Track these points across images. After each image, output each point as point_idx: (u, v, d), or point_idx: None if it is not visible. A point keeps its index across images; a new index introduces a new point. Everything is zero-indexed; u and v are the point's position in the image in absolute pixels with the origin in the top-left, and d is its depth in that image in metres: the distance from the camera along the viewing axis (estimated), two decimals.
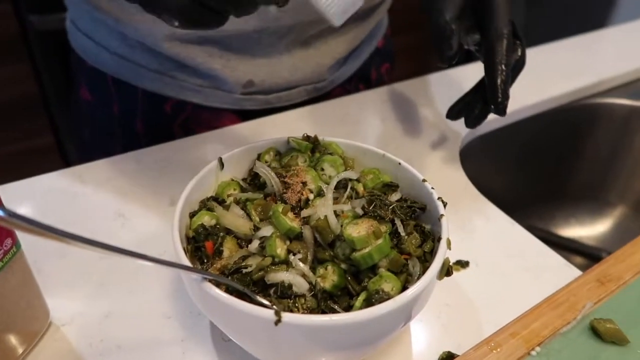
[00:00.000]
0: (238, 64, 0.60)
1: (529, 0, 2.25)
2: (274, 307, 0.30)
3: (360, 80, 0.73)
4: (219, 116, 0.64)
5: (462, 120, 0.63)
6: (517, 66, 0.47)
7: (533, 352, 0.33)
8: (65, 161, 1.51)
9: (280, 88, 0.64)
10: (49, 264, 0.42)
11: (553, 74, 0.77)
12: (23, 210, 0.47)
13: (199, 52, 0.57)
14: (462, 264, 0.43)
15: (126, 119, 0.64)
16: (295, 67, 0.62)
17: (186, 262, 0.30)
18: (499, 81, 0.45)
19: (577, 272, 0.42)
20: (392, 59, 0.80)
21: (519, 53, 0.47)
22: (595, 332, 0.35)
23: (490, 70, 0.45)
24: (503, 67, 0.44)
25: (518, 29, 0.47)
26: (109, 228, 0.46)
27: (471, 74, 0.76)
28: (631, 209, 0.77)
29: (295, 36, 0.59)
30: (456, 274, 0.42)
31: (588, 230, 0.79)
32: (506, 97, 0.45)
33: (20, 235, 0.43)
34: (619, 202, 0.79)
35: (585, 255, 0.74)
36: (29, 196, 0.49)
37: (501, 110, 0.46)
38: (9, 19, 1.24)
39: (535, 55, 0.84)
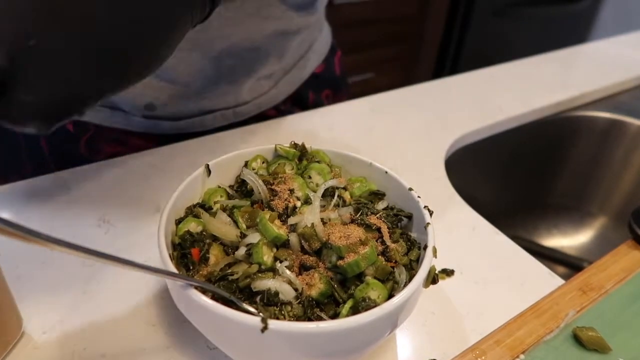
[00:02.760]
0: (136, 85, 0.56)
1: (514, 15, 2.30)
2: (260, 314, 0.30)
3: (295, 104, 0.70)
4: (126, 136, 0.59)
5: (447, 130, 0.64)
6: None
7: None
8: None
9: (192, 113, 0.60)
10: (30, 270, 0.41)
11: (536, 87, 0.79)
12: (4, 215, 0.46)
13: None
14: (448, 273, 0.43)
15: (31, 140, 0.61)
16: (206, 90, 0.58)
17: (172, 268, 0.30)
18: None
19: (560, 281, 0.42)
20: (336, 84, 0.76)
21: None
22: (578, 340, 0.35)
23: None
24: None
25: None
26: (93, 234, 0.45)
27: (455, 85, 0.77)
28: (611, 220, 0.79)
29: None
30: (441, 283, 0.43)
31: (570, 240, 0.81)
32: None
33: (2, 239, 0.43)
34: (600, 212, 0.81)
35: (567, 264, 0.75)
36: (10, 201, 0.48)
37: None
38: None
39: (519, 68, 0.86)
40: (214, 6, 0.33)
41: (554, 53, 0.93)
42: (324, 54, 0.72)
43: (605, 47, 0.99)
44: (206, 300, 0.28)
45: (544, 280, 0.43)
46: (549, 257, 0.77)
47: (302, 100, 0.71)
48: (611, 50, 0.97)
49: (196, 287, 0.29)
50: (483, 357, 0.33)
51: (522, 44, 2.37)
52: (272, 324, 0.27)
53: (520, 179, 0.79)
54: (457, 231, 0.49)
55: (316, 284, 0.33)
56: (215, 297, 0.30)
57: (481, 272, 0.44)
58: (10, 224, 0.20)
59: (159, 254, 0.31)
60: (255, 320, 0.27)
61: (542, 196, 0.83)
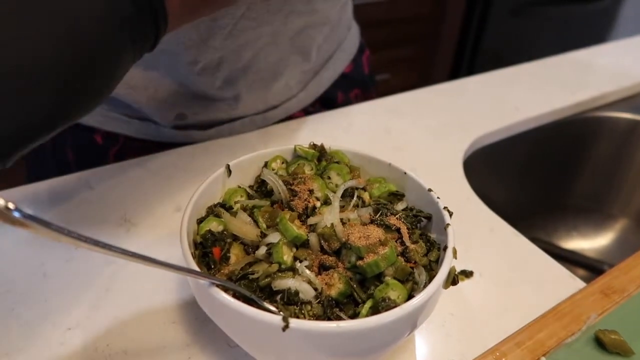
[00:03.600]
0: (167, 96, 0.56)
1: (532, 14, 2.27)
2: (281, 313, 0.30)
3: (323, 105, 0.70)
4: (155, 147, 0.60)
5: (465, 131, 0.64)
6: None
7: None
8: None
9: (222, 121, 0.60)
10: (55, 267, 0.42)
11: (555, 87, 0.78)
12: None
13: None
14: (467, 274, 0.43)
15: (59, 152, 0.62)
16: (235, 98, 0.58)
17: (194, 267, 0.30)
18: None
19: (581, 284, 0.42)
20: (365, 84, 0.76)
21: None
22: (600, 343, 0.35)
23: None
24: None
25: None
26: (115, 233, 0.46)
27: (472, 86, 0.77)
28: (633, 222, 0.78)
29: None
30: (460, 284, 0.42)
31: (590, 242, 0.80)
32: None
33: (29, 238, 0.44)
34: (621, 214, 0.79)
35: (587, 267, 0.74)
36: (33, 201, 0.49)
37: None
38: None
39: (539, 69, 0.85)
40: (160, 33, 0.33)
41: (573, 53, 0.91)
42: (353, 54, 0.72)
43: (626, 46, 0.97)
44: (228, 298, 0.28)
45: (565, 282, 0.42)
46: (569, 259, 0.76)
47: (330, 101, 0.71)
48: (632, 50, 0.95)
49: (218, 286, 0.29)
50: (503, 359, 0.33)
51: (540, 44, 2.35)
52: (293, 322, 0.27)
53: (539, 180, 0.79)
54: (476, 232, 0.49)
55: (335, 284, 0.33)
56: (237, 296, 0.30)
57: (500, 273, 0.44)
58: (44, 222, 0.21)
59: (180, 253, 0.31)
60: (277, 319, 0.27)
61: (562, 198, 0.82)
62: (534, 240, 0.49)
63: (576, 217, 0.82)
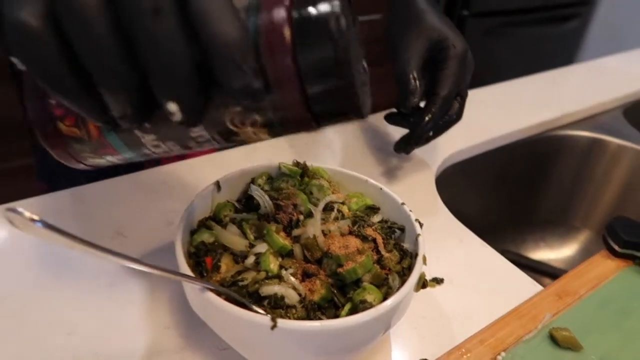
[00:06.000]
0: None
1: (504, 35, 2.36)
2: (269, 315, 0.33)
3: None
4: None
5: (437, 149, 0.69)
6: (450, 120, 0.56)
7: (499, 357, 0.37)
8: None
9: None
10: (52, 275, 0.44)
11: (521, 108, 0.83)
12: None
13: None
14: (438, 281, 0.47)
15: None
16: None
17: (190, 274, 0.33)
18: (416, 132, 0.54)
19: (540, 288, 0.46)
20: None
21: (455, 109, 0.56)
22: (554, 339, 0.39)
23: (417, 121, 0.54)
24: (425, 124, 0.53)
25: (464, 88, 0.56)
26: (109, 246, 0.48)
27: None
28: (594, 233, 0.83)
29: None
30: (432, 290, 0.46)
31: (556, 253, 0.85)
32: (415, 144, 0.56)
33: (27, 246, 0.46)
34: (584, 227, 0.85)
35: (553, 276, 0.79)
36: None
37: (404, 150, 0.58)
38: None
39: (507, 90, 0.90)
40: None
41: (539, 75, 0.98)
42: None
43: (588, 68, 1.04)
44: (222, 301, 0.31)
45: (526, 287, 0.47)
46: (537, 269, 0.81)
47: None
48: (593, 72, 1.02)
49: (212, 291, 0.32)
50: (468, 355, 0.37)
51: (513, 63, 2.44)
52: (281, 322, 0.30)
53: (508, 195, 0.84)
54: (446, 243, 0.53)
55: (318, 290, 0.36)
56: (229, 300, 0.33)
57: (468, 280, 0.48)
58: (64, 232, 0.24)
59: (174, 262, 0.34)
60: (266, 319, 0.30)
61: (530, 211, 0.87)
62: (504, 252, 0.53)
63: (543, 229, 0.87)
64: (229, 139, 0.29)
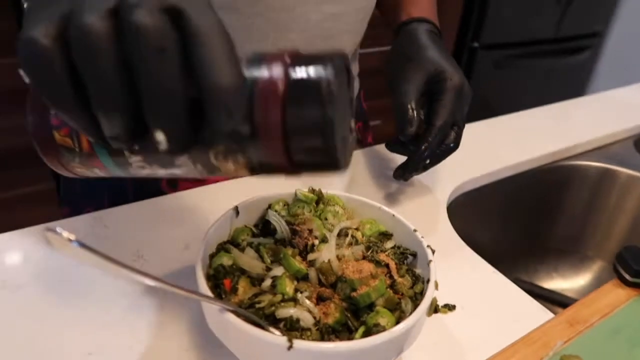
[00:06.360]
0: None
1: (515, 66, 2.39)
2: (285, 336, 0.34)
3: None
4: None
5: (449, 177, 0.70)
6: (447, 149, 0.58)
7: None
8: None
9: None
10: (73, 297, 0.46)
11: (533, 138, 0.85)
12: (48, 251, 0.52)
13: None
14: (450, 307, 0.48)
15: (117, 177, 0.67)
16: None
17: (211, 295, 0.35)
18: (414, 160, 0.57)
19: (551, 315, 0.46)
20: (364, 118, 0.86)
21: (452, 138, 0.58)
22: None
23: (415, 149, 0.56)
24: (422, 152, 0.56)
25: (461, 118, 0.58)
26: None
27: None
28: (608, 263, 0.83)
29: None
30: (444, 317, 0.47)
31: (570, 282, 0.84)
32: (413, 171, 0.59)
33: (47, 271, 0.48)
34: (597, 256, 0.85)
35: (566, 306, 0.78)
36: None
37: (402, 177, 0.60)
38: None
39: (517, 120, 0.92)
40: None
41: (550, 106, 0.99)
42: (357, 91, 0.81)
43: (598, 100, 1.05)
44: (240, 322, 0.33)
45: (537, 314, 0.47)
46: (550, 298, 0.80)
47: None
48: (603, 104, 1.03)
49: (230, 311, 0.34)
50: None
51: (523, 94, 2.46)
52: (297, 343, 0.31)
53: (520, 224, 0.84)
54: (459, 270, 0.53)
55: (332, 313, 0.37)
56: (246, 321, 0.34)
57: (480, 307, 0.48)
58: (98, 252, 0.26)
59: (192, 285, 0.35)
60: (282, 340, 0.31)
61: (542, 240, 0.88)
62: (516, 280, 0.54)
63: (556, 258, 0.87)
64: (212, 172, 0.32)
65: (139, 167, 0.32)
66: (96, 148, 0.32)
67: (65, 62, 0.25)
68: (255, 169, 0.31)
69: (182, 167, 0.31)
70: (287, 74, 0.27)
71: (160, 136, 0.26)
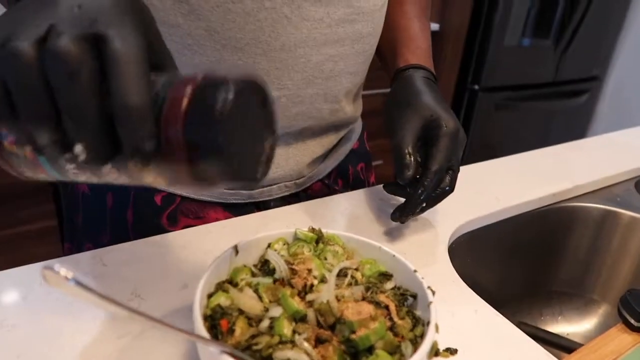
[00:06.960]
0: None
1: (515, 108, 2.43)
2: None
3: (339, 176, 0.80)
4: (205, 207, 0.68)
5: (449, 218, 0.70)
6: (442, 192, 0.60)
7: None
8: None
9: (263, 184, 0.69)
10: (69, 337, 0.45)
11: (534, 179, 0.85)
12: (46, 289, 0.51)
13: None
14: (451, 351, 0.47)
15: (118, 210, 0.67)
16: (277, 165, 0.69)
17: (207, 336, 0.34)
18: (411, 203, 0.59)
19: None
20: (367, 158, 0.87)
21: (447, 181, 0.60)
22: None
23: (412, 192, 0.58)
24: (418, 196, 0.58)
25: (455, 162, 0.60)
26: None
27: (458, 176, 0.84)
28: (613, 307, 0.81)
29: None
30: None
31: (575, 327, 0.83)
32: (410, 214, 0.60)
33: (45, 304, 0.47)
34: (602, 300, 0.83)
35: (572, 351, 0.76)
36: None
37: (399, 219, 0.62)
38: None
39: (519, 162, 0.92)
40: None
41: (550, 148, 1.00)
42: (360, 132, 0.83)
43: (598, 142, 1.06)
44: None
45: (541, 359, 0.46)
46: (555, 343, 0.78)
47: (343, 173, 0.80)
48: (604, 146, 1.04)
49: (227, 353, 0.33)
50: None
51: (523, 137, 2.49)
52: None
53: (523, 266, 0.83)
54: (460, 313, 0.52)
55: (330, 356, 0.37)
56: None
57: (482, 351, 0.47)
58: (94, 291, 0.26)
59: (189, 325, 0.35)
60: None
61: (546, 283, 0.86)
62: (520, 324, 0.53)
63: (561, 302, 0.86)
64: (137, 180, 0.34)
65: (74, 174, 0.35)
66: (38, 156, 0.35)
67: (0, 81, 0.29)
68: (169, 181, 0.33)
69: (111, 175, 0.34)
70: (192, 94, 0.30)
71: (78, 148, 0.30)
